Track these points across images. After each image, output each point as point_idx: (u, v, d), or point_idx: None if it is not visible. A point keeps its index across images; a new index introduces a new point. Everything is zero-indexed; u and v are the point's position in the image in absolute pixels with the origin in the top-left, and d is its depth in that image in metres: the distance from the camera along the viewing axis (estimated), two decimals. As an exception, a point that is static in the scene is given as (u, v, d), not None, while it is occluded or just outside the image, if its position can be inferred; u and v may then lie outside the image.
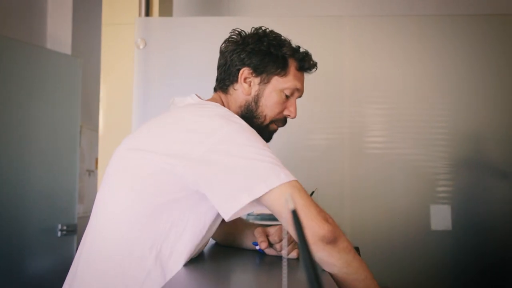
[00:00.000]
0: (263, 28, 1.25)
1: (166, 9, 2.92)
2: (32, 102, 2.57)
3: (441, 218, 2.48)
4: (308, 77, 2.83)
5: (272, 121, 1.22)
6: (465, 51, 2.57)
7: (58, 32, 2.99)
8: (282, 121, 1.25)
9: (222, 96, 1.24)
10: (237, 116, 1.09)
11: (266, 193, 0.94)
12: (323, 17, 2.72)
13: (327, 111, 2.58)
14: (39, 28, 2.94)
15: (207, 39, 2.64)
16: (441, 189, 2.51)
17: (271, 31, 1.25)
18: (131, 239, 1.04)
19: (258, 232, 1.23)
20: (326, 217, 0.97)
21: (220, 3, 3.47)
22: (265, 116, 1.20)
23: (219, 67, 1.25)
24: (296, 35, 2.64)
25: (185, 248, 1.03)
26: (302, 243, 0.39)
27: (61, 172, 2.72)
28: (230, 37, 1.25)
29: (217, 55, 2.58)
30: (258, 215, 2.26)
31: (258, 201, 0.96)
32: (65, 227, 2.63)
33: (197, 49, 2.58)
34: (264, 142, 1.06)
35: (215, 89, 1.27)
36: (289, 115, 1.24)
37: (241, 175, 0.97)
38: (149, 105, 2.51)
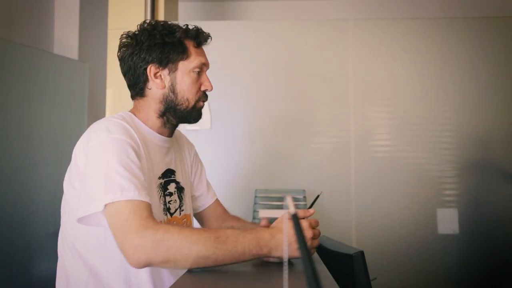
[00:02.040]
0: (148, 22, 1.26)
1: (172, 14, 2.93)
2: (39, 106, 2.59)
3: (448, 221, 2.47)
4: (313, 79, 2.84)
5: (196, 101, 1.26)
6: (470, 53, 2.56)
7: (65, 37, 3.01)
8: (204, 96, 1.29)
9: (140, 101, 1.28)
10: (117, 131, 1.12)
11: (104, 209, 1.00)
12: (328, 21, 2.73)
13: (332, 115, 2.58)
14: (46, 33, 2.96)
15: (212, 43, 2.65)
16: (448, 192, 2.50)
17: (157, 22, 1.26)
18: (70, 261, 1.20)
19: (263, 217, 1.28)
20: (134, 241, 0.95)
21: (225, 8, 3.48)
22: (187, 99, 1.24)
23: (124, 74, 1.28)
24: (301, 39, 2.66)
25: (114, 256, 1.10)
26: (302, 245, 0.39)
27: (67, 176, 2.73)
28: (122, 43, 1.27)
29: (223, 58, 2.62)
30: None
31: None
32: (71, 231, 2.64)
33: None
34: (125, 159, 1.07)
35: (132, 97, 1.30)
36: (207, 89, 1.27)
37: (91, 188, 1.04)
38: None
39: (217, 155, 2.54)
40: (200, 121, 1.31)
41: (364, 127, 2.57)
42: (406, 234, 2.49)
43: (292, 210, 0.40)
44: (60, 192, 2.84)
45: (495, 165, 2.52)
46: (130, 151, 1.09)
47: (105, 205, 0.99)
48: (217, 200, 1.52)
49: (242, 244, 0.98)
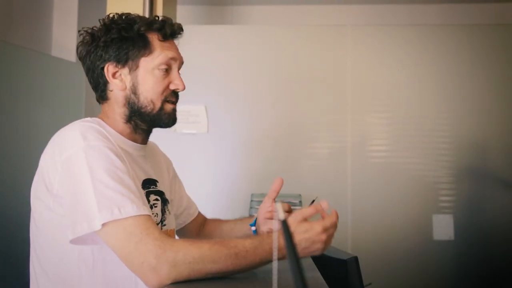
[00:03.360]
0: (108, 15, 1.12)
1: (170, 17, 2.94)
2: (36, 108, 2.59)
3: (443, 227, 2.48)
4: (311, 85, 2.84)
5: (162, 102, 1.10)
6: (467, 60, 2.57)
7: (63, 39, 3.01)
8: (174, 96, 1.12)
9: (105, 105, 1.13)
10: (94, 137, 0.99)
11: (101, 228, 0.90)
12: (326, 26, 2.74)
13: (330, 120, 2.59)
14: (44, 35, 2.96)
15: (210, 47, 2.66)
16: (444, 198, 2.51)
17: (118, 15, 1.11)
18: None
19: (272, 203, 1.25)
20: (152, 261, 0.87)
21: (223, 12, 3.49)
22: (151, 101, 1.08)
23: (86, 75, 1.14)
24: (299, 44, 2.67)
25: (104, 282, 1.01)
26: (290, 251, 0.39)
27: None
28: (80, 42, 1.12)
29: (221, 62, 2.62)
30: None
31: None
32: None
33: (200, 57, 2.60)
34: (111, 169, 0.95)
35: (98, 101, 1.17)
36: (177, 89, 1.11)
37: (81, 206, 0.93)
38: (152, 112, 2.52)
39: (214, 159, 2.54)
40: (197, 125, 1.21)
41: (361, 133, 2.57)
42: (401, 239, 2.49)
43: (281, 216, 0.40)
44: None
45: (491, 172, 2.53)
46: (115, 158, 0.97)
47: (103, 225, 0.89)
48: (198, 212, 1.43)
49: (261, 255, 0.93)
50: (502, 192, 2.49)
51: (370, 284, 1.56)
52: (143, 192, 1.09)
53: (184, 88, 1.12)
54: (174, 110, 1.13)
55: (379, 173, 2.53)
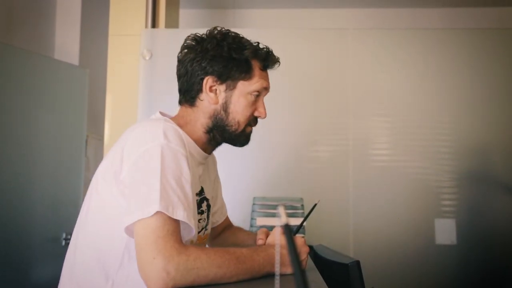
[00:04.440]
0: (219, 29, 1.18)
1: (172, 21, 2.95)
2: (39, 111, 2.60)
3: (445, 232, 2.47)
4: (312, 89, 2.85)
5: (245, 125, 1.18)
6: (469, 64, 2.57)
7: (66, 42, 3.03)
8: (254, 121, 1.20)
9: (188, 110, 1.19)
10: (174, 140, 1.02)
11: (138, 220, 0.92)
12: (327, 30, 2.74)
13: (331, 123, 2.59)
14: (47, 38, 2.98)
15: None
16: (446, 202, 2.50)
17: (228, 32, 1.17)
18: (89, 270, 1.06)
19: (260, 232, 1.24)
20: (166, 265, 0.88)
21: (225, 15, 3.50)
22: (237, 122, 1.16)
23: (179, 77, 1.19)
24: (300, 47, 2.67)
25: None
26: (293, 255, 0.39)
27: (66, 181, 2.73)
28: (186, 44, 1.18)
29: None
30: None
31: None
32: (69, 236, 2.64)
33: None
34: (178, 174, 0.99)
35: (180, 102, 1.21)
36: (260, 116, 1.19)
37: (142, 195, 0.95)
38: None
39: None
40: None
41: (363, 136, 2.57)
42: (403, 243, 2.48)
43: (284, 220, 0.40)
44: (59, 194, 2.84)
45: (493, 176, 2.52)
46: (185, 168, 1.01)
47: (153, 214, 0.91)
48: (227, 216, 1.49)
49: (258, 262, 0.98)
50: (504, 197, 2.48)
51: (372, 288, 1.56)
52: (196, 202, 1.13)
53: (265, 117, 1.20)
54: (251, 133, 1.22)
55: (381, 177, 2.52)
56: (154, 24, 2.69)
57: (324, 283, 1.03)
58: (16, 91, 2.46)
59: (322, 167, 2.56)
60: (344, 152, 2.55)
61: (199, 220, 1.18)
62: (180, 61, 1.19)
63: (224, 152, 2.57)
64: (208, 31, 1.18)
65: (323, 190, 2.52)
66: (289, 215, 2.24)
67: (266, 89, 1.19)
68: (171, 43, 2.65)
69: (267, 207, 2.31)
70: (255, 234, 1.45)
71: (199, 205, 1.17)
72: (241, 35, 1.19)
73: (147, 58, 2.56)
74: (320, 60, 2.65)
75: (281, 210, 0.41)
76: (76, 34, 3.02)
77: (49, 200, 2.63)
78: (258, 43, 1.19)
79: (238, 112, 1.15)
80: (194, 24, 3.47)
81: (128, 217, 0.94)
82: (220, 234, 1.48)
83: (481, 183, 2.51)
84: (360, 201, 2.51)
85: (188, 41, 1.18)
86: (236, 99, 1.15)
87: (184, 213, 0.95)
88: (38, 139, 2.58)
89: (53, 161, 2.66)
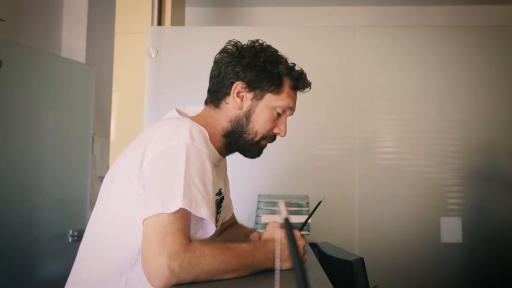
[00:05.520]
0: (260, 42, 1.22)
1: (178, 19, 2.95)
2: (46, 109, 2.61)
3: (451, 230, 2.46)
4: (318, 87, 2.84)
5: (262, 138, 1.21)
6: (475, 62, 2.56)
7: (73, 40, 3.04)
8: (272, 137, 1.23)
9: (212, 111, 1.21)
10: (199, 140, 1.04)
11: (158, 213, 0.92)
12: (334, 28, 2.73)
13: (338, 121, 2.59)
14: (54, 36, 2.99)
15: (218, 49, 2.66)
16: (452, 201, 2.49)
17: (268, 46, 1.22)
18: (103, 265, 1.07)
19: (253, 236, 1.24)
20: (170, 263, 0.89)
21: (232, 13, 3.50)
22: (255, 132, 1.19)
23: (212, 77, 1.23)
24: (307, 45, 2.67)
25: None
26: (293, 250, 0.39)
27: (73, 178, 2.75)
28: (225, 48, 1.22)
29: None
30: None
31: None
32: (76, 233, 2.65)
33: (208, 58, 2.59)
34: (202, 173, 1.00)
35: (206, 102, 1.24)
36: (279, 134, 1.22)
37: (164, 189, 0.96)
38: (160, 113, 2.53)
39: (221, 160, 2.55)
40: None
41: (369, 134, 2.57)
42: (409, 242, 2.48)
43: (284, 215, 0.41)
44: (66, 192, 2.85)
45: (499, 174, 2.51)
46: (208, 168, 1.02)
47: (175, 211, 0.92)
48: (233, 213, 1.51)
49: (257, 257, 1.00)
50: (510, 195, 2.47)
51: (377, 286, 1.56)
52: (215, 202, 1.16)
53: (285, 135, 1.22)
54: (264, 147, 1.25)
55: (387, 175, 2.52)
56: (160, 22, 2.70)
57: (328, 280, 1.03)
58: (23, 89, 2.48)
59: (328, 165, 2.56)
60: (350, 150, 2.55)
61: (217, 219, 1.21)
62: (216, 62, 1.22)
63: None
64: (249, 41, 1.22)
65: (329, 188, 2.52)
66: (294, 213, 2.24)
67: (291, 109, 1.22)
68: (177, 41, 2.66)
69: (272, 204, 2.31)
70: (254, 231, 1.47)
71: (219, 205, 1.21)
72: (279, 52, 1.22)
73: (153, 56, 2.56)
74: (327, 58, 2.65)
75: (281, 206, 0.41)
76: (82, 32, 3.04)
77: (56, 197, 2.64)
78: (294, 64, 1.23)
79: (258, 123, 1.18)
80: (200, 22, 3.47)
81: (147, 210, 0.95)
82: (223, 232, 1.49)
83: (487, 181, 2.50)
84: (366, 199, 2.51)
85: (228, 46, 1.22)
86: (260, 110, 1.18)
87: (208, 211, 0.96)
88: (44, 136, 2.60)
89: (59, 159, 2.68)
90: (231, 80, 1.17)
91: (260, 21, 3.45)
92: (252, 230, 1.50)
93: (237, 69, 1.17)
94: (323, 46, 2.66)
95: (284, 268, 1.03)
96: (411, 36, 2.63)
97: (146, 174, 1.01)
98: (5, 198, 2.35)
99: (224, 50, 1.22)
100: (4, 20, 2.33)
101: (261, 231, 1.29)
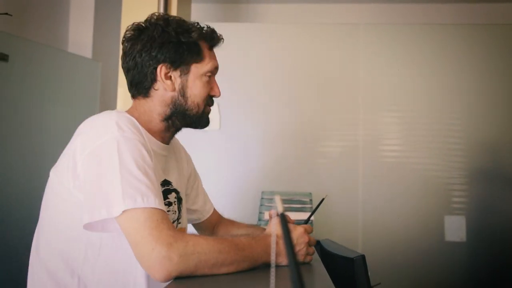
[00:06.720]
0: (157, 15, 1.15)
1: (185, 15, 2.95)
2: (52, 104, 2.62)
3: (455, 229, 2.46)
4: (323, 83, 2.83)
5: (205, 106, 1.18)
6: (480, 60, 2.55)
7: (80, 36, 3.05)
8: (211, 101, 1.20)
9: (142, 101, 1.16)
10: (129, 129, 1.02)
11: (120, 214, 0.91)
12: (339, 25, 2.73)
13: (342, 119, 2.59)
14: (61, 31, 3.01)
15: (224, 45, 2.67)
16: (456, 199, 2.49)
17: (168, 17, 1.15)
18: (54, 265, 1.06)
19: (271, 213, 1.26)
20: (164, 254, 0.88)
21: (238, 9, 3.50)
22: (197, 105, 1.15)
23: (128, 70, 1.15)
24: (312, 42, 2.67)
25: (106, 266, 1.03)
26: (288, 246, 0.40)
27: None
28: (128, 36, 1.15)
29: (234, 60, 2.63)
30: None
31: (114, 219, 0.94)
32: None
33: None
34: (140, 162, 0.98)
35: (134, 96, 1.18)
36: (215, 95, 1.19)
37: (104, 192, 0.95)
38: (165, 109, 2.54)
39: (225, 157, 2.56)
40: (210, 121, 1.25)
41: (373, 132, 2.56)
42: (413, 240, 2.48)
43: (280, 209, 0.41)
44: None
45: (504, 173, 2.50)
46: (145, 153, 1.00)
47: (123, 211, 0.91)
48: (214, 210, 1.47)
49: (256, 250, 0.98)
50: (515, 194, 2.46)
51: (379, 284, 1.56)
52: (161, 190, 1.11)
53: (220, 95, 1.20)
54: (209, 113, 1.21)
55: (391, 173, 2.52)
56: (166, 18, 2.70)
57: (329, 277, 1.03)
58: (29, 83, 2.49)
59: (332, 162, 2.56)
60: (354, 148, 2.55)
61: (167, 211, 1.14)
62: (126, 54, 1.15)
63: (234, 147, 2.59)
64: (147, 19, 1.16)
65: (333, 185, 2.53)
66: (298, 210, 2.25)
67: (217, 68, 1.20)
68: (182, 37, 2.66)
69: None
70: (254, 227, 1.46)
71: (165, 196, 1.15)
72: (181, 18, 1.17)
73: (159, 51, 2.57)
74: (332, 55, 2.64)
75: (277, 200, 0.41)
76: (89, 27, 3.05)
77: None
78: (198, 23, 1.18)
79: (196, 95, 1.15)
80: (206, 18, 3.47)
81: (88, 215, 0.94)
82: (215, 232, 1.46)
83: (491, 180, 2.49)
84: (370, 197, 2.51)
85: (129, 32, 1.15)
86: (192, 82, 1.14)
87: (156, 199, 0.94)
88: (49, 131, 2.61)
89: (65, 153, 2.69)
90: (152, 66, 1.12)
91: (265, 17, 3.45)
92: (251, 225, 1.49)
93: (153, 54, 1.11)
94: (328, 43, 2.66)
95: (284, 264, 1.01)
96: (416, 33, 2.62)
97: (81, 175, 1.00)
98: (10, 194, 2.36)
99: (128, 39, 1.15)
100: (11, 15, 2.34)
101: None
